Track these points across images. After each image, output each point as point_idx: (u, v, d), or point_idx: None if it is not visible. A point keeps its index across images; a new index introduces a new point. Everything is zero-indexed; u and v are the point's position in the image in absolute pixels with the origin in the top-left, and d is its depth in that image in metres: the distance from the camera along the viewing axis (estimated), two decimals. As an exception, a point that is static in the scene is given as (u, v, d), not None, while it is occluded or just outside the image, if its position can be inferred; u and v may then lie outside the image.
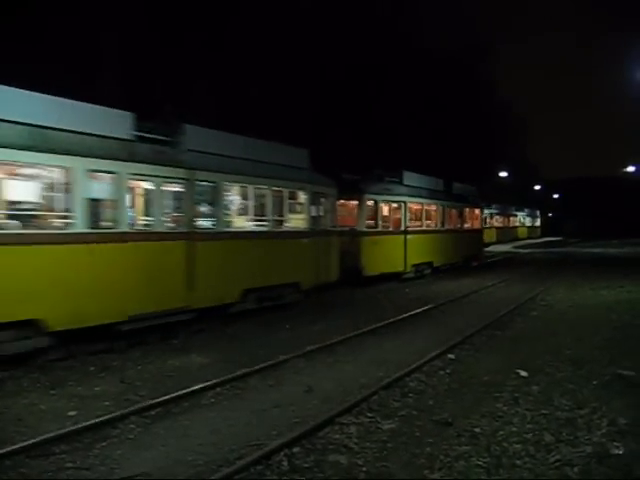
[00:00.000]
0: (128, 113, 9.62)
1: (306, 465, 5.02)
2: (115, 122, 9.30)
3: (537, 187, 72.88)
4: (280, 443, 5.33)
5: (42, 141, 8.02)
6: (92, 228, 8.68)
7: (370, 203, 17.80)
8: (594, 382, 7.36)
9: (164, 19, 21.86)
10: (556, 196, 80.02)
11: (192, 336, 10.31)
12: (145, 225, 9.96)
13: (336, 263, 14.98)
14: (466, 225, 25.97)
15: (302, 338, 10.07)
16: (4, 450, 5.13)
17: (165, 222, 10.16)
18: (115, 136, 9.19)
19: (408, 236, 19.40)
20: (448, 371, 8.09)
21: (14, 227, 7.91)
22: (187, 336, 10.25)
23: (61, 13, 18.98)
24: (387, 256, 18.18)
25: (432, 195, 21.78)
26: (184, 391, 6.88)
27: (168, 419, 6.19)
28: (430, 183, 22.05)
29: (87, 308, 8.50)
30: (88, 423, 5.84)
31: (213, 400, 6.81)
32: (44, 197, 8.31)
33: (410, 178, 20.31)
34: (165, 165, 9.96)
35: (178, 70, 22.38)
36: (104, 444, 5.46)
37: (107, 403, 6.64)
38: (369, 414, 6.28)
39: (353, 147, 29.07)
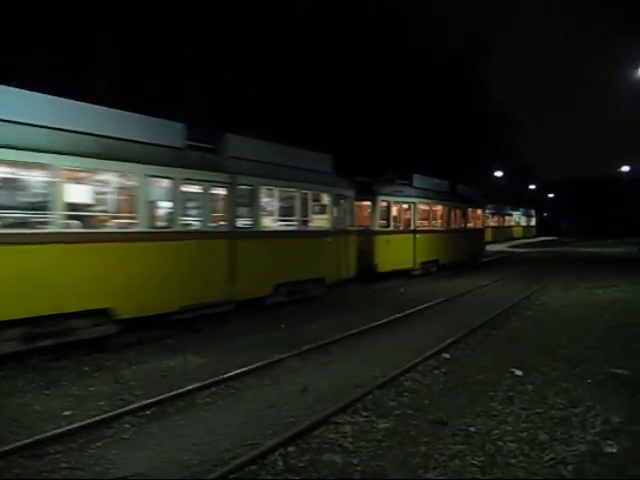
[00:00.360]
0: (180, 124, 10.56)
1: (301, 464, 5.03)
2: (169, 132, 10.29)
3: (532, 187, 73.05)
4: (275, 442, 5.34)
5: (119, 150, 9.03)
6: (152, 228, 9.71)
7: (383, 204, 18.53)
8: (588, 381, 7.39)
9: (159, 18, 21.82)
10: (551, 196, 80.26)
11: (187, 336, 10.30)
12: (195, 225, 10.82)
13: (354, 260, 15.86)
14: (469, 225, 26.63)
15: (297, 337, 10.06)
16: (-2, 450, 5.13)
17: (211, 222, 11.05)
18: (170, 145, 10.18)
19: (417, 235, 20.18)
20: (443, 370, 8.10)
21: (89, 227, 8.85)
22: (182, 336, 10.25)
23: (57, 13, 18.93)
24: (398, 254, 18.99)
25: (439, 196, 22.61)
26: (179, 391, 6.87)
27: (163, 419, 6.18)
28: (437, 185, 22.88)
29: (148, 299, 9.52)
30: (83, 423, 5.83)
31: (208, 400, 6.81)
32: (112, 200, 9.42)
33: (419, 180, 21.11)
34: (211, 170, 10.93)
35: (173, 69, 22.35)
36: (99, 444, 5.46)
37: (102, 403, 6.63)
38: (364, 413, 6.28)
39: (350, 149, 29.07)
